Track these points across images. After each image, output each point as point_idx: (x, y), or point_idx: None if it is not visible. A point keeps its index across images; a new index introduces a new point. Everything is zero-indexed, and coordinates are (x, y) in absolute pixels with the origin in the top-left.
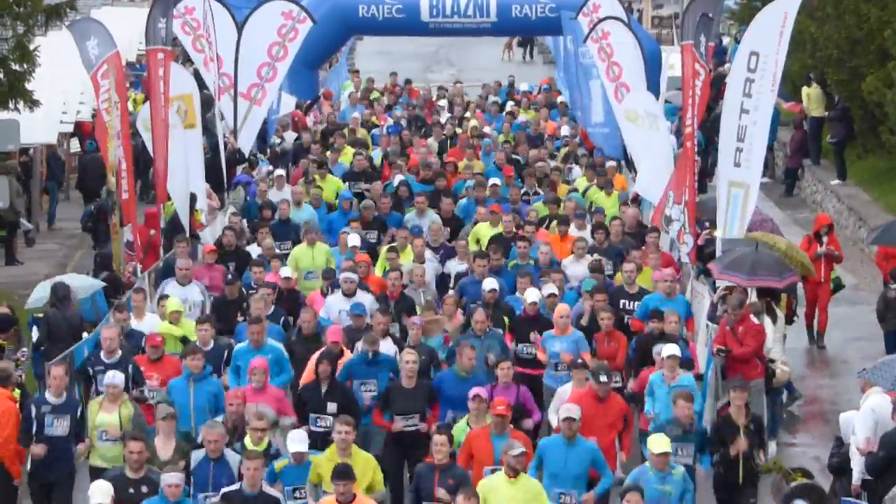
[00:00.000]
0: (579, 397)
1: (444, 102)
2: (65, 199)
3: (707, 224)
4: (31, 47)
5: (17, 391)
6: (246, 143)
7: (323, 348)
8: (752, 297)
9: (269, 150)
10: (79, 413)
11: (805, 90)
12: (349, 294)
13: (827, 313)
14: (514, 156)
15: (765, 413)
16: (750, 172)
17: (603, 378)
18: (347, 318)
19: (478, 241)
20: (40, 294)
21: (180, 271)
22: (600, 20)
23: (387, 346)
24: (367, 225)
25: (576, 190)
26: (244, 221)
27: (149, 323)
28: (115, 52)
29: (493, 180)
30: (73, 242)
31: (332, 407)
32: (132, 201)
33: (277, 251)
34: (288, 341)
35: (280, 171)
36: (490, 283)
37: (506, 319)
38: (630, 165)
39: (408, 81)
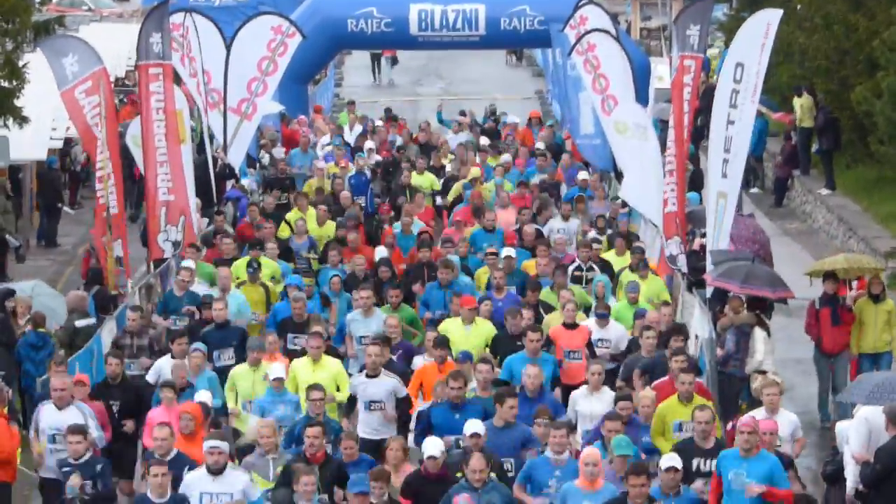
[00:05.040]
0: None
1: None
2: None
3: (697, 233)
4: (20, 64)
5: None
6: (236, 158)
7: None
8: (744, 310)
9: (257, 165)
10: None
11: (797, 100)
12: (216, 471)
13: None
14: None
15: None
16: (731, 182)
17: None
18: None
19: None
20: None
21: (55, 392)
22: (587, 32)
23: None
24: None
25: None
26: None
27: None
28: (102, 68)
29: (506, 251)
30: (64, 259)
31: None
32: (121, 216)
33: (211, 366)
34: None
35: (189, 263)
36: (473, 427)
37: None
38: (619, 176)
39: (393, 118)
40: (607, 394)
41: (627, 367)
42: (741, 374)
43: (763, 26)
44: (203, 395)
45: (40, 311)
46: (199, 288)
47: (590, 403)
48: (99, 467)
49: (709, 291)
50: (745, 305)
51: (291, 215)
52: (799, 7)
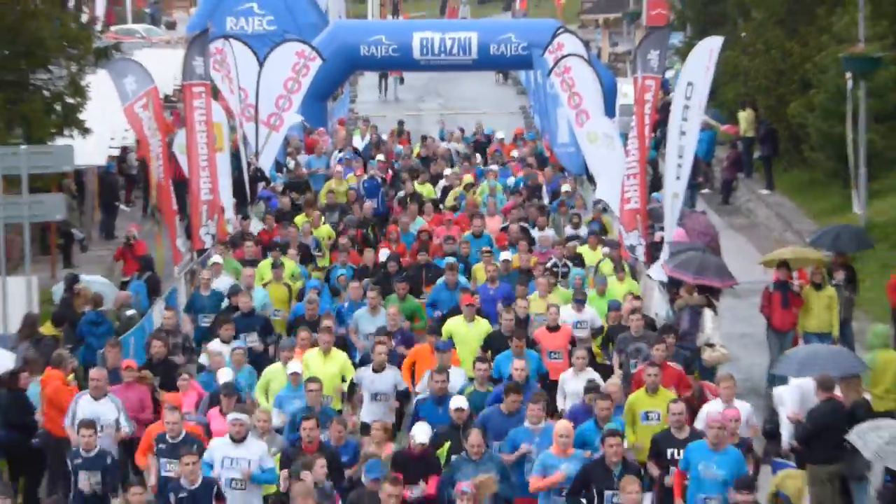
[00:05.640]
0: None
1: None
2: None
3: (656, 227)
4: (83, 83)
5: (72, 376)
6: (266, 163)
7: None
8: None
9: (284, 169)
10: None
11: (741, 114)
12: (238, 440)
13: None
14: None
15: None
16: (681, 183)
17: None
18: (232, 468)
19: (451, 339)
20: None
21: (92, 382)
22: (563, 56)
23: None
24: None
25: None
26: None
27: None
28: (153, 87)
29: (504, 255)
30: None
31: None
32: (171, 213)
33: (241, 345)
34: None
35: (217, 258)
36: (458, 402)
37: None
38: (591, 179)
39: (399, 132)
40: (591, 373)
41: (620, 343)
42: (693, 347)
43: (708, 52)
44: (224, 375)
45: (98, 293)
46: (227, 280)
47: (575, 383)
48: (108, 461)
49: (657, 273)
50: (697, 290)
51: (299, 219)
52: (743, 35)
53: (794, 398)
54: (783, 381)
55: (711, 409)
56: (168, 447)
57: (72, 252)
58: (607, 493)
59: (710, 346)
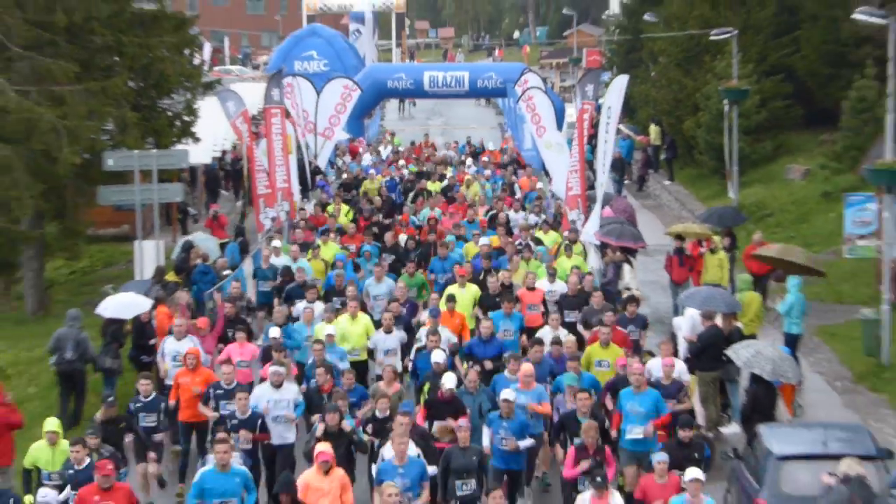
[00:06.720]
0: None
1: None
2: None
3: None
4: (195, 107)
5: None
6: (322, 162)
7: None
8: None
9: (334, 167)
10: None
11: (651, 128)
12: (277, 385)
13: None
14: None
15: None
16: (605, 178)
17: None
18: (275, 408)
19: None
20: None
21: (176, 328)
22: (527, 88)
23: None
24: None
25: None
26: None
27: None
28: (245, 109)
29: (483, 240)
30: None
31: None
32: (257, 196)
33: (311, 306)
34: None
35: (276, 243)
36: (437, 356)
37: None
38: (547, 175)
39: (412, 143)
40: (562, 332)
41: (585, 315)
42: (615, 290)
43: (621, 85)
44: (274, 332)
45: (205, 251)
46: (284, 259)
47: (549, 338)
48: (162, 405)
49: (587, 237)
50: (619, 250)
51: (329, 209)
52: (653, 74)
53: (688, 325)
54: (680, 314)
55: (651, 364)
56: (224, 392)
57: (187, 223)
58: (577, 440)
59: (628, 289)
